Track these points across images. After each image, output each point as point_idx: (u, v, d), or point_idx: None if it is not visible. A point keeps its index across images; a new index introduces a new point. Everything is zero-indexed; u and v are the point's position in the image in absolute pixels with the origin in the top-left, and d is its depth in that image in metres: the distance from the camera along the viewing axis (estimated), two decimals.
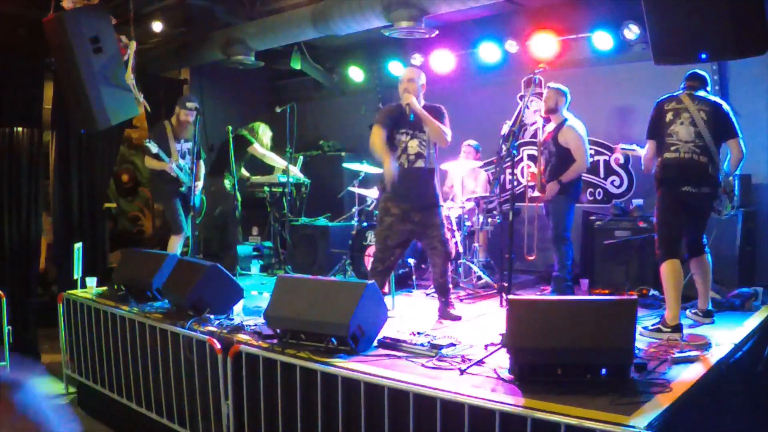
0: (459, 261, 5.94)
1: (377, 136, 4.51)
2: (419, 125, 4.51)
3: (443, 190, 6.77)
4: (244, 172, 7.38)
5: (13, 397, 0.86)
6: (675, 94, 4.28)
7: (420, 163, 4.52)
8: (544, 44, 6.43)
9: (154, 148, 5.78)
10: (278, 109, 6.96)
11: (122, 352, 4.65)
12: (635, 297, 4.22)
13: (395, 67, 7.63)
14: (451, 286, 4.79)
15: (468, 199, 6.19)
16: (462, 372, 3.08)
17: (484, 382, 2.96)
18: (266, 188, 7.23)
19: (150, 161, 6.00)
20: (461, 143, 6.68)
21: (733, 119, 4.18)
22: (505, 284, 4.79)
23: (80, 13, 5.14)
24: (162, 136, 5.95)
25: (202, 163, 6.26)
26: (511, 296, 3.39)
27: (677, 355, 3.28)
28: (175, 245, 6.02)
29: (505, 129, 5.84)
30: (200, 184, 6.14)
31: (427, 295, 5.60)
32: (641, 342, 3.62)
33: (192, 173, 5.78)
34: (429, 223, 4.54)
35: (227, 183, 6.80)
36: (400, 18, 5.31)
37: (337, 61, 8.21)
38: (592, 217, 5.80)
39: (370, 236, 6.25)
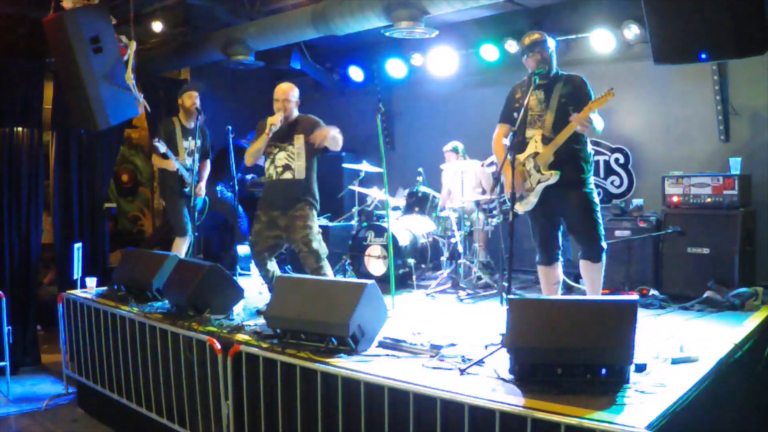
0: (459, 261, 5.95)
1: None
2: (288, 138, 4.62)
3: (442, 196, 6.76)
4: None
5: None
6: None
7: (288, 175, 4.60)
8: None
9: (162, 147, 5.64)
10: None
11: (122, 352, 4.66)
12: (635, 297, 4.23)
13: (395, 67, 7.63)
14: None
15: (478, 201, 6.13)
16: (462, 372, 3.08)
17: (484, 382, 2.96)
18: None
19: (156, 158, 5.88)
20: (459, 143, 6.66)
21: None
22: (505, 284, 4.79)
23: (80, 13, 5.15)
24: (170, 134, 5.81)
25: (208, 162, 6.18)
26: (511, 296, 3.39)
27: (677, 355, 3.28)
28: (181, 248, 5.83)
29: None
30: (203, 184, 6.04)
31: (427, 295, 5.61)
32: (641, 342, 3.62)
33: (195, 173, 5.67)
34: (293, 226, 4.57)
35: (218, 188, 6.85)
36: (401, 18, 5.31)
37: (337, 61, 8.21)
38: None
39: (371, 236, 6.25)
